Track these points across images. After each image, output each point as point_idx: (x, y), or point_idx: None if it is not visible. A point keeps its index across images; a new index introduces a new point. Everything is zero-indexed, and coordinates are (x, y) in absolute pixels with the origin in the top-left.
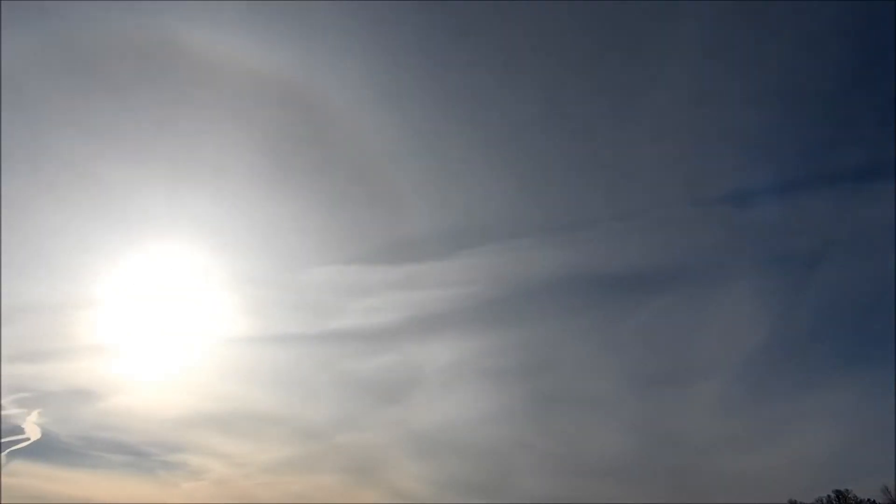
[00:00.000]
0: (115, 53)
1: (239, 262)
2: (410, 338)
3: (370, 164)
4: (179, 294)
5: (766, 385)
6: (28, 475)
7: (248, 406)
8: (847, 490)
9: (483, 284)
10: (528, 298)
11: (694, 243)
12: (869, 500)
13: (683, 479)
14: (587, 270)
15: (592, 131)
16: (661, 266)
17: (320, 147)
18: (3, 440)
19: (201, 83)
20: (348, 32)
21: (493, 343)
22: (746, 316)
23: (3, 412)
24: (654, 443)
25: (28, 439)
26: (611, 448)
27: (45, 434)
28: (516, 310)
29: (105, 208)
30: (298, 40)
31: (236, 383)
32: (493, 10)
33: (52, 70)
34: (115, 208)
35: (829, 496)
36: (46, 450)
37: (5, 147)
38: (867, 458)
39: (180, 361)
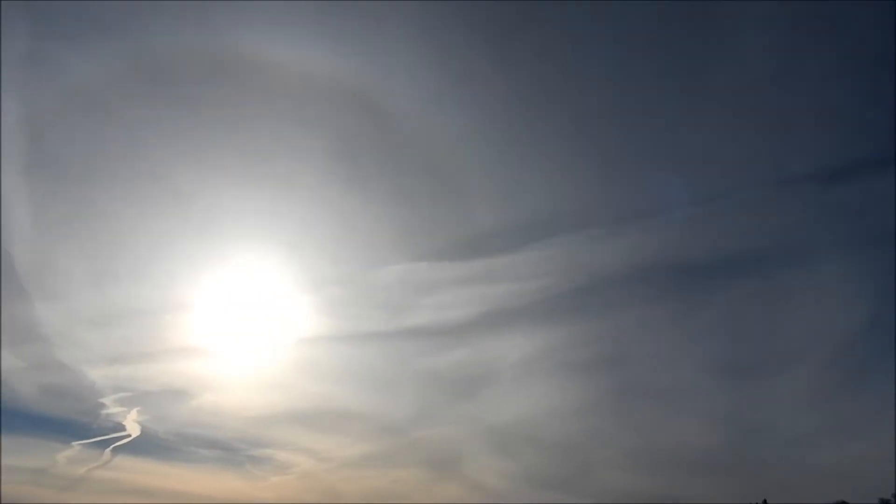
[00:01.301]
0: (191, 69)
1: (313, 264)
2: (483, 333)
3: (436, 162)
4: (260, 296)
5: (861, 374)
6: (131, 470)
7: (328, 403)
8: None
9: (555, 277)
10: (602, 289)
11: (779, 225)
12: None
13: (771, 474)
14: (664, 258)
15: (664, 113)
16: (744, 250)
17: (387, 148)
18: (108, 437)
19: (272, 93)
20: (409, 34)
21: (568, 336)
22: (837, 301)
23: (105, 410)
24: (739, 436)
25: (129, 436)
26: (694, 442)
27: (144, 431)
28: (590, 301)
29: (188, 218)
30: (362, 45)
31: (316, 381)
32: None
33: (135, 88)
34: (197, 217)
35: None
36: (146, 446)
37: (102, 163)
38: None
39: (263, 361)
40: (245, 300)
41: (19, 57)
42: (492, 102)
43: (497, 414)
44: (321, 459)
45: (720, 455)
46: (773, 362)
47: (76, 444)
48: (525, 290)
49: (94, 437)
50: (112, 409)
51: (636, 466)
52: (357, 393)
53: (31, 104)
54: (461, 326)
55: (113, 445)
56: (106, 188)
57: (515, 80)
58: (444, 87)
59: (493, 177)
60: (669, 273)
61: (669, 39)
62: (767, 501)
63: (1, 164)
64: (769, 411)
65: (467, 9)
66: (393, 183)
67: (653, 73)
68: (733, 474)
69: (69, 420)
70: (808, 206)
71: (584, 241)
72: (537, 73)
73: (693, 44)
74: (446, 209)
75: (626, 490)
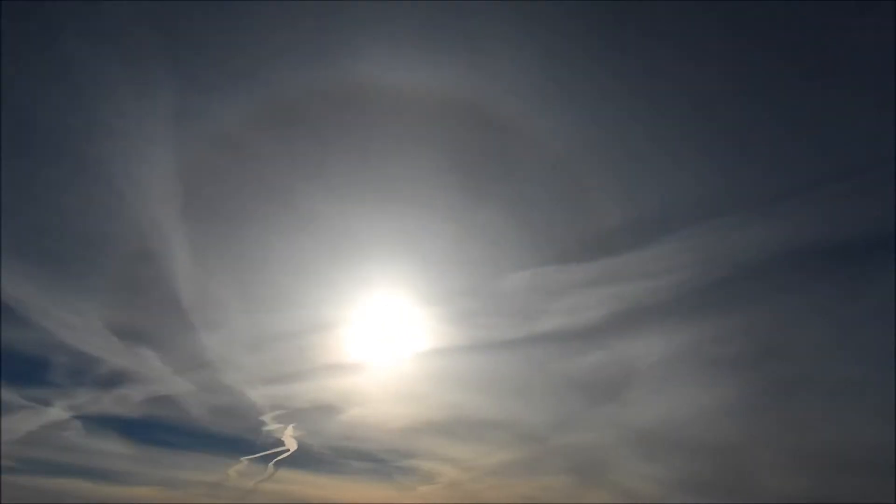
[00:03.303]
0: (314, 104)
1: (441, 277)
2: (618, 334)
3: (553, 164)
4: (394, 311)
5: None
6: (291, 482)
7: (467, 413)
8: None
9: (690, 270)
10: (744, 280)
11: None
12: None
13: None
14: (809, 241)
15: (792, 88)
16: None
17: (501, 156)
18: (270, 452)
19: (391, 117)
20: (511, 40)
21: (712, 331)
22: None
23: (266, 427)
24: None
25: (288, 450)
26: (863, 440)
27: (300, 445)
28: (732, 294)
29: (324, 241)
30: (465, 56)
31: (453, 391)
32: None
33: (267, 128)
34: (332, 240)
35: None
36: (303, 459)
37: (246, 200)
38: None
39: (401, 374)
40: (381, 316)
41: (169, 113)
42: (603, 97)
43: (641, 417)
44: (465, 468)
45: (893, 454)
46: None
47: (244, 459)
48: (659, 287)
49: (259, 452)
50: (271, 425)
51: (799, 468)
52: (493, 401)
53: (182, 154)
54: (595, 328)
55: (275, 460)
56: (251, 223)
57: (626, 70)
58: (552, 89)
59: (613, 172)
60: (820, 256)
61: (794, 8)
62: None
63: (161, 212)
64: None
65: (566, 6)
66: (512, 190)
67: (776, 46)
68: None
69: (236, 437)
70: None
71: (719, 230)
72: (649, 62)
73: (820, 11)
74: (568, 210)
75: (789, 493)
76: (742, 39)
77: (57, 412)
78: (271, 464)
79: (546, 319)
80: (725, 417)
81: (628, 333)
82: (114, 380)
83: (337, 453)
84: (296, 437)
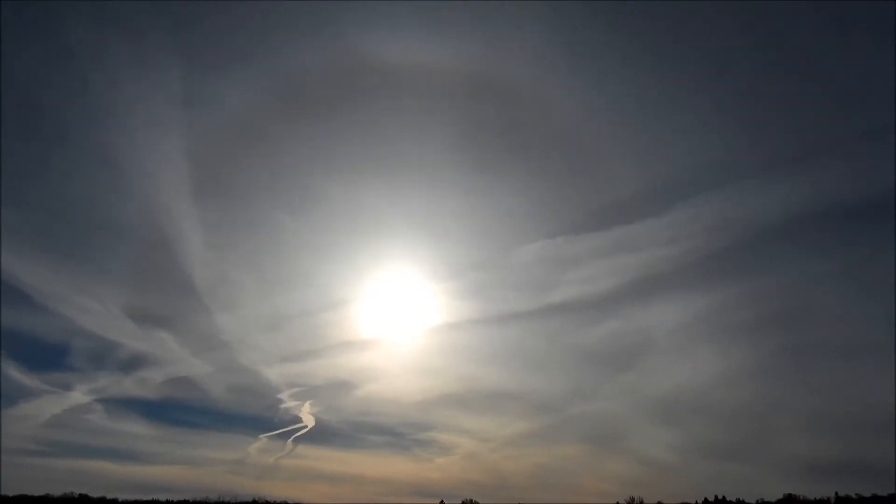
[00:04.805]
0: (322, 84)
1: (453, 251)
2: (632, 302)
3: (564, 137)
4: (407, 287)
5: None
6: (312, 457)
7: (482, 385)
8: None
9: (706, 236)
10: (760, 244)
11: None
12: None
13: None
14: (828, 203)
15: (814, 49)
16: None
17: (514, 131)
18: (288, 428)
19: (398, 93)
20: (517, 8)
21: (728, 297)
22: None
23: (283, 405)
24: None
25: (306, 427)
26: (883, 401)
27: (318, 421)
28: (749, 258)
29: (335, 220)
30: (476, 33)
31: (467, 364)
32: None
33: (275, 109)
34: (343, 219)
35: None
36: (322, 435)
37: (256, 181)
38: None
39: (415, 349)
40: (394, 292)
41: (176, 96)
42: (614, 65)
43: (658, 384)
44: (482, 440)
45: None
46: None
47: (263, 437)
48: (673, 254)
49: (277, 429)
50: (288, 403)
51: (822, 430)
52: (509, 373)
53: (191, 138)
54: (607, 298)
55: (294, 436)
56: (262, 203)
57: (637, 37)
58: (562, 58)
59: (625, 140)
60: (837, 218)
61: None
62: None
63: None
64: None
65: None
66: (522, 162)
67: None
68: None
69: (255, 415)
70: None
71: (733, 195)
72: (660, 27)
73: None
74: (579, 181)
75: (811, 456)
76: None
77: (79, 396)
78: (290, 440)
79: (560, 290)
80: (742, 382)
81: (643, 301)
82: (133, 363)
83: (354, 428)
84: (313, 414)
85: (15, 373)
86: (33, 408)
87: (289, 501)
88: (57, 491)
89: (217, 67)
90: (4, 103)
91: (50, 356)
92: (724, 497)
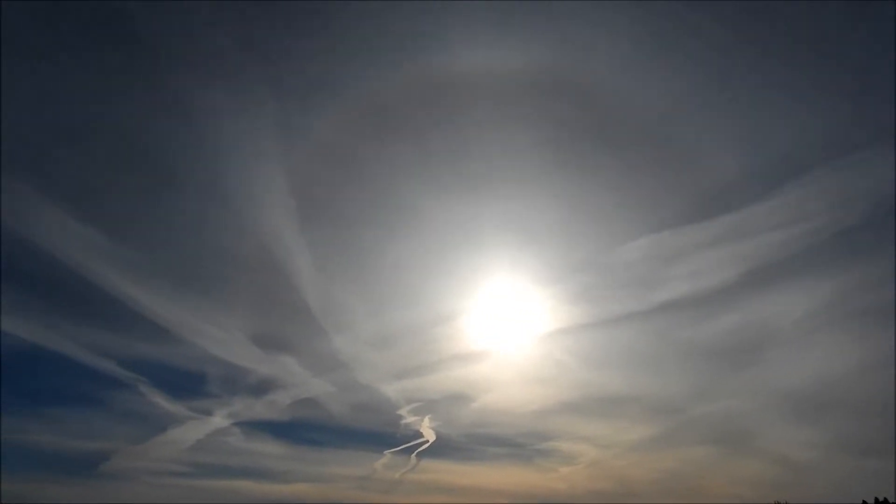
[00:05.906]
0: (406, 101)
1: (555, 255)
2: (749, 293)
3: (653, 128)
4: (513, 295)
5: None
6: (435, 471)
7: (599, 390)
8: None
9: (825, 216)
10: (887, 220)
11: None
12: None
13: None
14: None
15: None
16: None
17: (600, 129)
18: (411, 444)
19: (480, 104)
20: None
21: (859, 279)
22: None
23: (404, 420)
24: None
25: (427, 441)
26: None
27: (438, 435)
28: (878, 235)
29: (434, 235)
30: (552, 34)
31: (581, 370)
32: None
33: (363, 131)
34: (441, 233)
35: None
36: (443, 448)
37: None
38: None
39: (527, 357)
40: (500, 301)
41: (272, 127)
42: (701, 45)
43: (787, 379)
44: (605, 446)
45: None
46: None
47: (388, 453)
48: (789, 238)
49: (400, 444)
50: (409, 418)
51: None
52: (624, 376)
53: (291, 169)
54: (721, 291)
55: (416, 451)
56: (360, 224)
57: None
58: (644, 46)
59: (722, 122)
60: None
61: None
62: None
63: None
64: None
65: None
66: (614, 158)
67: None
68: None
69: (377, 431)
70: None
71: (851, 168)
72: (743, 14)
73: None
74: (677, 171)
75: None
76: None
77: (219, 420)
78: (413, 455)
79: (669, 286)
80: (883, 371)
81: (762, 292)
82: (262, 387)
83: (474, 440)
84: (433, 428)
85: (162, 401)
86: (180, 433)
87: None
88: None
89: (304, 96)
90: (136, 161)
91: (189, 384)
92: (885, 499)
